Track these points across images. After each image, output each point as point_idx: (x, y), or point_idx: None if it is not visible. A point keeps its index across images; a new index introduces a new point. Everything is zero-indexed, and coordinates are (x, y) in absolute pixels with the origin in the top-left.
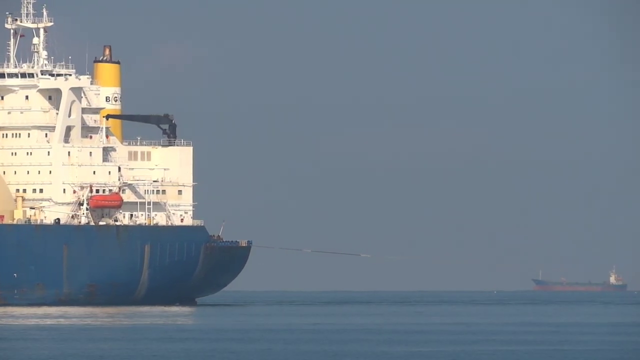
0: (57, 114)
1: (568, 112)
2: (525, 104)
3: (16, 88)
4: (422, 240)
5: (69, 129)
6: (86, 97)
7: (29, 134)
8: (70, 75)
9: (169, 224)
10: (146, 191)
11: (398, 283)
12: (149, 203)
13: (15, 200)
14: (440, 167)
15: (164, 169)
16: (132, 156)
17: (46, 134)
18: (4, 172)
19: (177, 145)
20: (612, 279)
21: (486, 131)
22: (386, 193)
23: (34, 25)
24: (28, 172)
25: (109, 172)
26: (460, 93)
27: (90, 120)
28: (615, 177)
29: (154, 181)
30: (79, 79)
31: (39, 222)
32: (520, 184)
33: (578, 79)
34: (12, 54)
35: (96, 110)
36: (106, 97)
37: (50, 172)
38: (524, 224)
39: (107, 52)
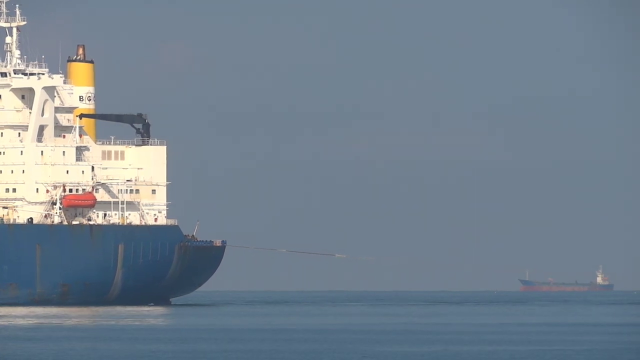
0: (30, 113)
1: (557, 114)
2: (514, 105)
3: None
4: (401, 240)
5: (42, 128)
6: (59, 97)
7: (1, 133)
8: (43, 74)
9: (143, 223)
10: (120, 190)
11: (373, 283)
12: (122, 202)
13: None
14: (421, 168)
15: (138, 169)
16: (106, 155)
17: (19, 133)
18: None
19: (151, 145)
20: (599, 279)
21: (470, 132)
22: (364, 193)
23: (7, 25)
24: (1, 172)
25: (82, 171)
26: (448, 95)
27: (64, 119)
28: (602, 177)
29: (127, 180)
30: (52, 78)
31: (12, 221)
32: (506, 184)
33: (569, 80)
34: None
35: (69, 110)
36: (80, 97)
37: (23, 171)
38: (510, 224)
39: (80, 51)
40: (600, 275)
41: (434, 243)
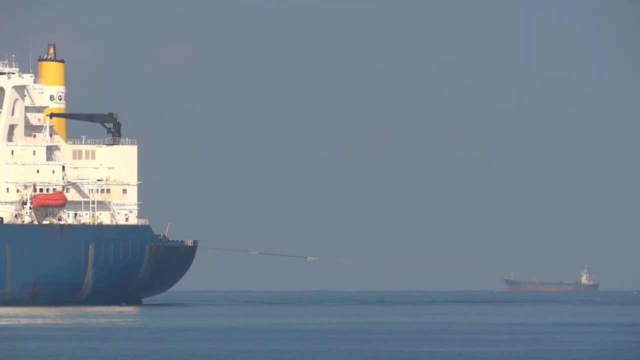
0: (0, 112)
1: (545, 113)
2: (502, 103)
3: None
4: (384, 242)
5: (12, 127)
6: (30, 96)
7: None
8: (13, 73)
9: (114, 223)
10: (90, 190)
11: (347, 284)
12: (93, 202)
13: None
14: (403, 169)
15: (109, 168)
16: (77, 155)
17: None
18: None
19: (122, 144)
20: (584, 279)
21: (456, 135)
22: (342, 195)
23: None
24: None
25: (53, 171)
26: (437, 93)
27: (34, 119)
28: (588, 178)
29: (98, 180)
30: (22, 78)
31: None
32: (492, 184)
33: (563, 79)
34: None
35: (40, 109)
36: (50, 96)
37: None
38: (495, 224)
39: (51, 50)
40: (585, 275)
41: (417, 244)
